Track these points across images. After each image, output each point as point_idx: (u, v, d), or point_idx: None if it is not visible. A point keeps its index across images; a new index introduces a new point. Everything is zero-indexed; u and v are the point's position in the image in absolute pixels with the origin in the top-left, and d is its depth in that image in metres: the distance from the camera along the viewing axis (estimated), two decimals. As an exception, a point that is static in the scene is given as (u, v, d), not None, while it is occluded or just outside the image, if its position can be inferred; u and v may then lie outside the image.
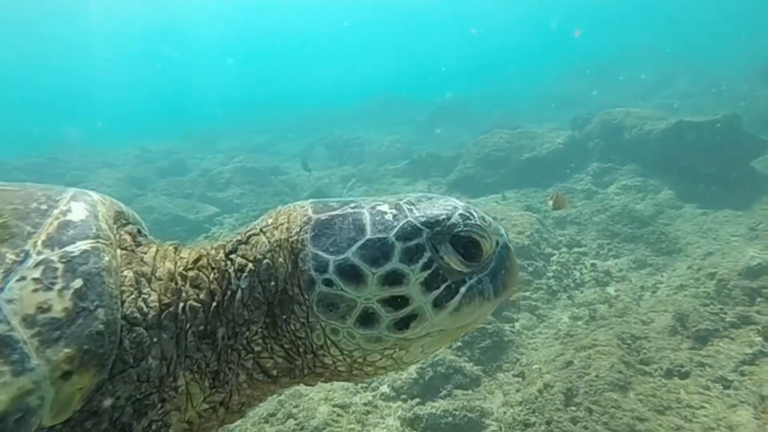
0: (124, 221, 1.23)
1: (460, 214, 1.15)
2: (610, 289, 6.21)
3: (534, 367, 4.64)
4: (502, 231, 1.25)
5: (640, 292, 6.11)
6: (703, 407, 3.73)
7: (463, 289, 1.11)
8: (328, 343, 1.12)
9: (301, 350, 1.15)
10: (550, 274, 6.47)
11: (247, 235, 1.22)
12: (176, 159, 16.76)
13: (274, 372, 1.17)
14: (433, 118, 20.45)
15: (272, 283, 1.13)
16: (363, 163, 15.03)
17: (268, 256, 1.15)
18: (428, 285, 1.08)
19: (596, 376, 4.08)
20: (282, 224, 1.18)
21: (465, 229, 1.12)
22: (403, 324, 1.08)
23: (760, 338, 4.07)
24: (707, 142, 8.68)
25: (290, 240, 1.14)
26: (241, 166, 13.52)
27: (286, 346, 1.14)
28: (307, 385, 1.26)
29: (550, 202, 6.83)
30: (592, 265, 6.63)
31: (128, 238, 1.18)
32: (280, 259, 1.13)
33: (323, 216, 1.15)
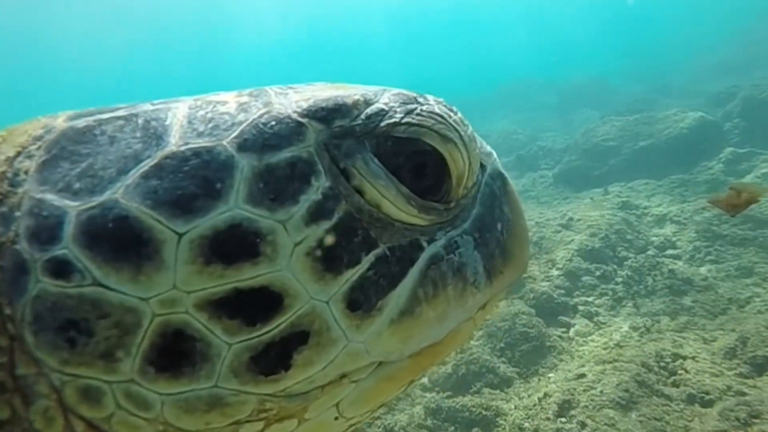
0: None
1: (396, 96, 0.61)
2: (687, 300, 5.61)
3: (548, 375, 4.71)
4: (488, 148, 0.73)
5: (725, 305, 5.40)
6: (705, 438, 3.47)
7: (418, 265, 0.57)
8: (73, 422, 0.52)
9: None
10: (620, 280, 6.10)
11: None
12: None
13: None
14: (565, 102, 19.13)
15: None
16: (478, 157, 15.11)
17: None
18: (328, 259, 0.53)
19: (601, 392, 4.05)
20: None
21: (408, 119, 0.58)
22: (274, 360, 0.52)
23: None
24: None
25: None
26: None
27: None
28: None
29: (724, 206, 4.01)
30: (670, 271, 6.00)
31: None
32: None
33: (80, 123, 0.58)
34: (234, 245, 0.51)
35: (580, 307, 5.94)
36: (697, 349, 4.58)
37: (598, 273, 6.23)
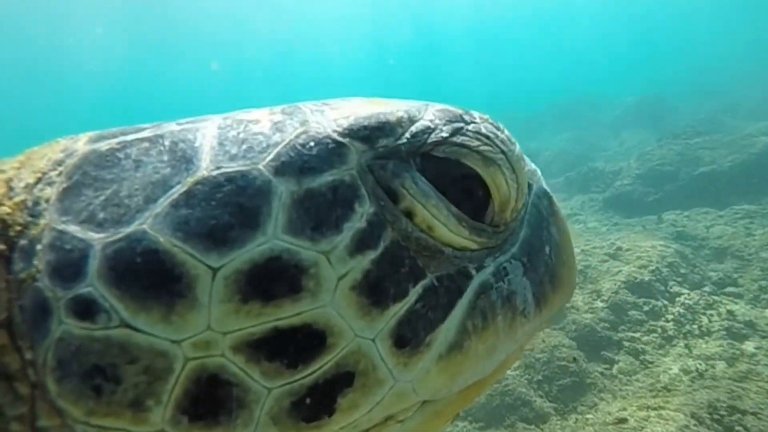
0: None
1: (441, 112, 0.58)
2: (748, 345, 5.16)
3: (587, 416, 4.46)
4: (532, 165, 0.68)
5: (793, 355, 4.92)
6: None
7: (467, 295, 0.54)
8: None
9: None
10: (670, 317, 5.72)
11: None
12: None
13: None
14: (619, 121, 18.37)
15: None
16: (525, 176, 14.74)
17: None
18: (374, 292, 0.50)
19: (642, 441, 3.79)
20: (10, 170, 0.57)
21: (453, 139, 0.55)
22: (317, 404, 0.49)
23: None
24: None
25: (3, 204, 0.53)
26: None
27: None
28: None
29: None
30: (729, 312, 5.56)
31: None
32: None
33: (103, 146, 0.54)
34: (273, 280, 0.47)
35: (625, 343, 5.60)
36: (759, 403, 4.19)
37: (646, 308, 5.87)
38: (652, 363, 5.41)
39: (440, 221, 0.53)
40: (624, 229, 8.22)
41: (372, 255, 0.50)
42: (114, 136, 0.56)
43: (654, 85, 21.77)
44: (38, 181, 0.53)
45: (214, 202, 0.48)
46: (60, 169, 0.53)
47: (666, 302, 5.91)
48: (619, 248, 6.71)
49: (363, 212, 0.51)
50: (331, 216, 0.50)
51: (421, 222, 0.53)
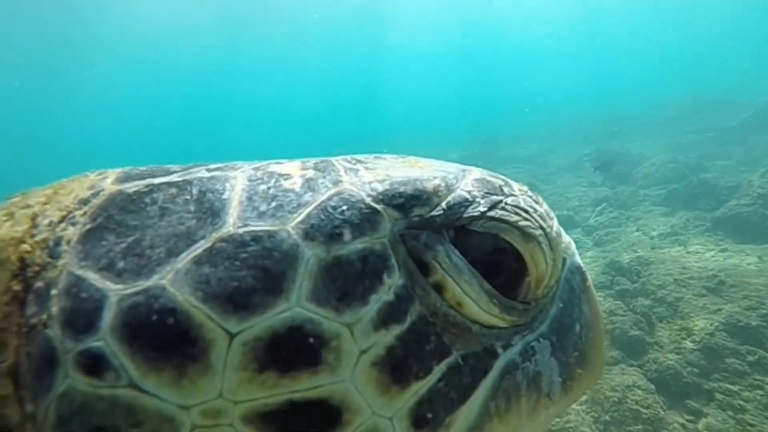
0: None
1: (479, 183, 0.56)
2: None
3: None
4: (567, 237, 0.65)
5: None
6: None
7: (491, 375, 0.52)
8: None
9: None
10: (782, 374, 4.81)
11: None
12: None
13: None
14: (747, 126, 15.96)
15: None
16: (622, 185, 13.42)
17: None
18: (396, 369, 0.48)
19: None
20: (36, 204, 0.56)
21: (491, 213, 0.53)
22: None
23: None
24: None
25: (25, 242, 0.51)
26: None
27: None
28: None
29: None
30: None
31: None
32: None
33: (130, 187, 0.54)
34: (292, 350, 0.45)
35: (718, 396, 4.83)
36: None
37: (751, 358, 5.00)
38: (753, 426, 4.60)
39: (471, 298, 0.52)
40: (733, 257, 7.10)
41: (397, 330, 0.49)
42: (142, 177, 0.56)
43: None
44: (62, 219, 0.53)
45: (238, 263, 0.47)
46: (85, 208, 0.53)
47: (778, 354, 4.99)
48: (722, 282, 5.80)
49: (391, 284, 0.50)
50: (359, 286, 0.48)
51: (451, 298, 0.52)
